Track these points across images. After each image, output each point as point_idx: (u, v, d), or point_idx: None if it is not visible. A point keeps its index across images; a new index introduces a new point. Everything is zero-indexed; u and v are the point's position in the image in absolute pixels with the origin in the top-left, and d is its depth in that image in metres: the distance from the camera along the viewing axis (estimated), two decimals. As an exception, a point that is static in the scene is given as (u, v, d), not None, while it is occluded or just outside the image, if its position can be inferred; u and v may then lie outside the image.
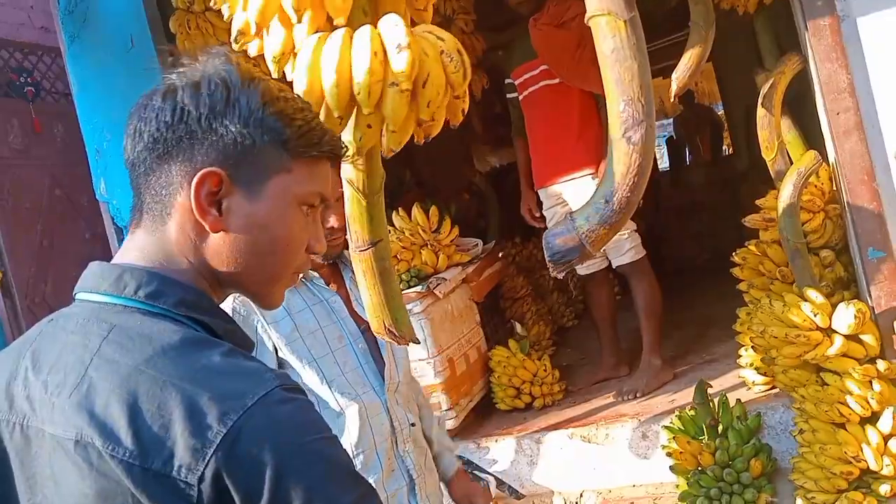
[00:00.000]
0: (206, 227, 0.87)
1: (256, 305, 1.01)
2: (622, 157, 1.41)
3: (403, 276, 3.15)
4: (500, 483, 2.59)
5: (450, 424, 3.07)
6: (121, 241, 3.48)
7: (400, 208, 3.44)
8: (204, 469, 0.74)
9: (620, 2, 1.39)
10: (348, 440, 1.66)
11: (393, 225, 3.40)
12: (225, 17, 1.37)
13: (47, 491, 0.83)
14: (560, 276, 1.63)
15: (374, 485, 1.40)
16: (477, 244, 3.70)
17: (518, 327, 3.63)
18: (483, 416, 3.41)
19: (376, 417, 1.70)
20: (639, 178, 1.42)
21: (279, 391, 0.78)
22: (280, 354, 1.66)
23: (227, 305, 1.52)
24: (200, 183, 0.86)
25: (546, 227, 3.54)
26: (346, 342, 1.71)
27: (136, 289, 0.86)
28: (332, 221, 1.65)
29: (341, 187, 1.42)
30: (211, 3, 3.20)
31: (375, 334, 1.55)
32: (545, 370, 3.37)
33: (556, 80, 3.29)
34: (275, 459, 0.75)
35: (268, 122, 0.87)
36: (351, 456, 1.53)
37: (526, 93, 3.42)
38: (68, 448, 0.79)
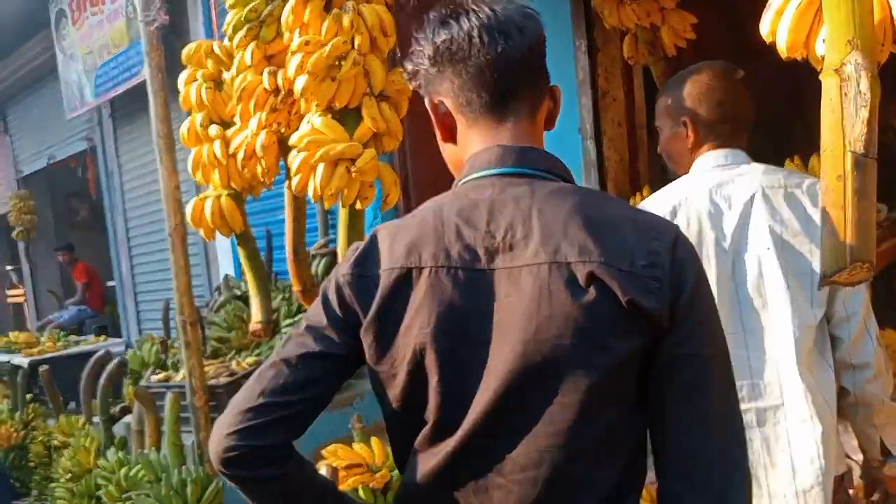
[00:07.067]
0: (548, 126, 1.18)
1: None
2: None
3: (791, 229, 2.90)
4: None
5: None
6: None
7: (797, 157, 3.15)
8: (665, 264, 1.03)
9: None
10: None
11: (784, 174, 3.13)
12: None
13: (505, 313, 1.05)
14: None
15: None
16: (880, 209, 3.24)
17: (918, 309, 3.14)
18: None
19: None
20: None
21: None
22: None
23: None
24: (560, 94, 1.18)
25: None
26: None
27: (536, 163, 1.13)
28: None
29: None
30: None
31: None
32: (946, 363, 2.88)
33: None
34: (695, 267, 1.07)
35: None
36: None
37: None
38: (539, 272, 1.04)
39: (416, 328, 1.07)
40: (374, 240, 1.15)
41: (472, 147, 1.16)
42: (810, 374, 1.68)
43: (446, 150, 1.23)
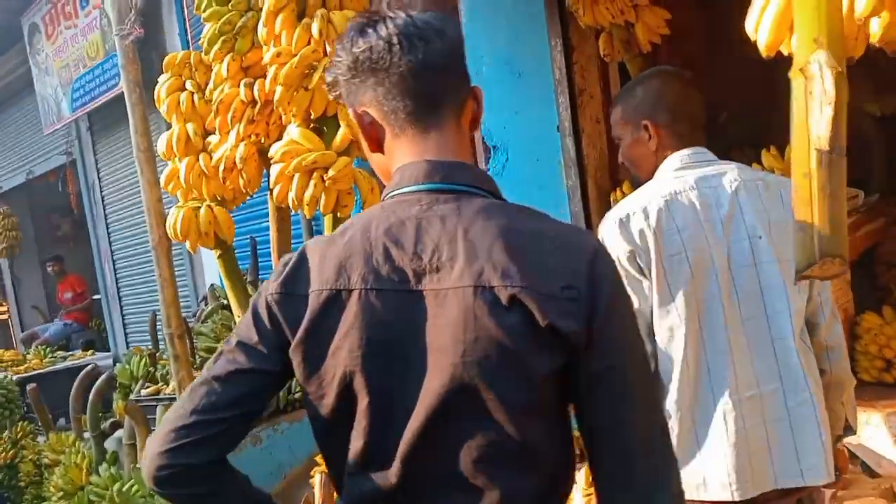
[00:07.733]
0: (472, 129, 1.17)
1: None
2: None
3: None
4: (852, 456, 2.36)
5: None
6: (487, 158, 3.73)
7: (772, 147, 3.19)
8: (581, 286, 1.03)
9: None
10: None
11: (762, 164, 3.17)
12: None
13: (433, 335, 1.04)
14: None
15: None
16: (857, 195, 3.28)
17: (898, 294, 3.18)
18: (841, 382, 3.09)
19: None
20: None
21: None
22: None
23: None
24: (482, 94, 1.17)
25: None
26: None
27: (462, 179, 1.11)
28: None
29: None
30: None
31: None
32: (928, 347, 2.93)
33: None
34: (612, 281, 1.07)
35: None
36: None
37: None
38: (464, 295, 1.03)
39: (345, 350, 1.06)
40: (302, 257, 1.13)
41: (399, 158, 1.14)
42: (802, 356, 1.73)
43: (374, 160, 1.21)
